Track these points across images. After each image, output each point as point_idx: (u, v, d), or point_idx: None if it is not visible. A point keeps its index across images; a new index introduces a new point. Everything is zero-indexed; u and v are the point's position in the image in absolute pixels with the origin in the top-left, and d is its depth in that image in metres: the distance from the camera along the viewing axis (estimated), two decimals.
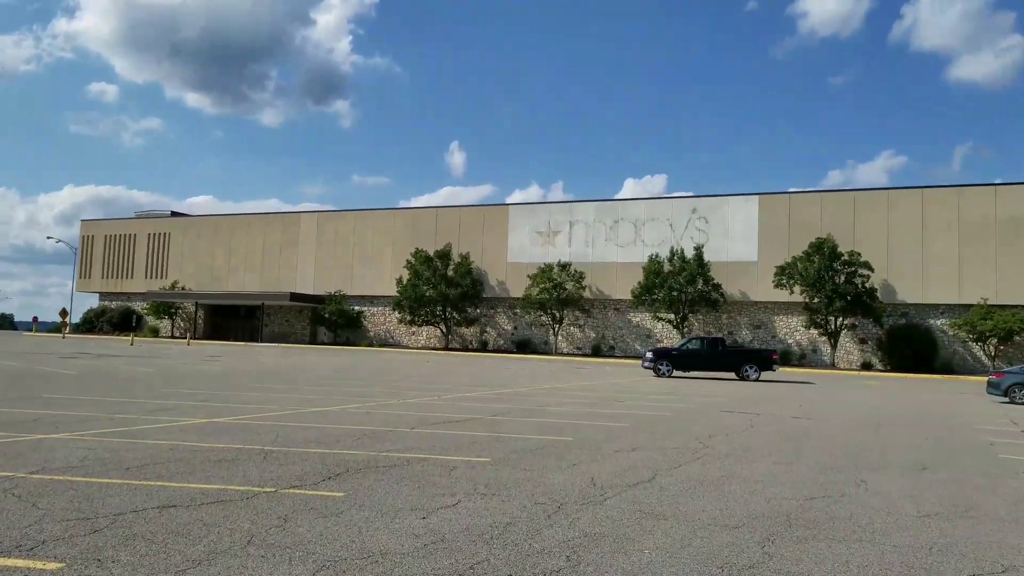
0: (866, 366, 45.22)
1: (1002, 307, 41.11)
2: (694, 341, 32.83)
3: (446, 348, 55.90)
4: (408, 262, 55.86)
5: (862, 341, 46.13)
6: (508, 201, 59.43)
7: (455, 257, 56.07)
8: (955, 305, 43.59)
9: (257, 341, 62.22)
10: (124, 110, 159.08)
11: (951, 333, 43.44)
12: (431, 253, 55.72)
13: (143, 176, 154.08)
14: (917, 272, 44.50)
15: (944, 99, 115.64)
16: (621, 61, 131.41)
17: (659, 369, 31.04)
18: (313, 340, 62.69)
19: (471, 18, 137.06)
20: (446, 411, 14.35)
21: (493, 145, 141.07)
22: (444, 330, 56.56)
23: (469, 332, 57.61)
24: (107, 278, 73.51)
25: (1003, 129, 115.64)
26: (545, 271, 51.83)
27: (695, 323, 50.10)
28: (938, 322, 44.28)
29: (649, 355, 31.97)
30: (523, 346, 54.53)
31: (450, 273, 55.29)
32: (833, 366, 44.67)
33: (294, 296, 59.88)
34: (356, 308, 60.40)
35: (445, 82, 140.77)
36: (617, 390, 22.47)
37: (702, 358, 31.39)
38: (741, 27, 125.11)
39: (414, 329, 58.56)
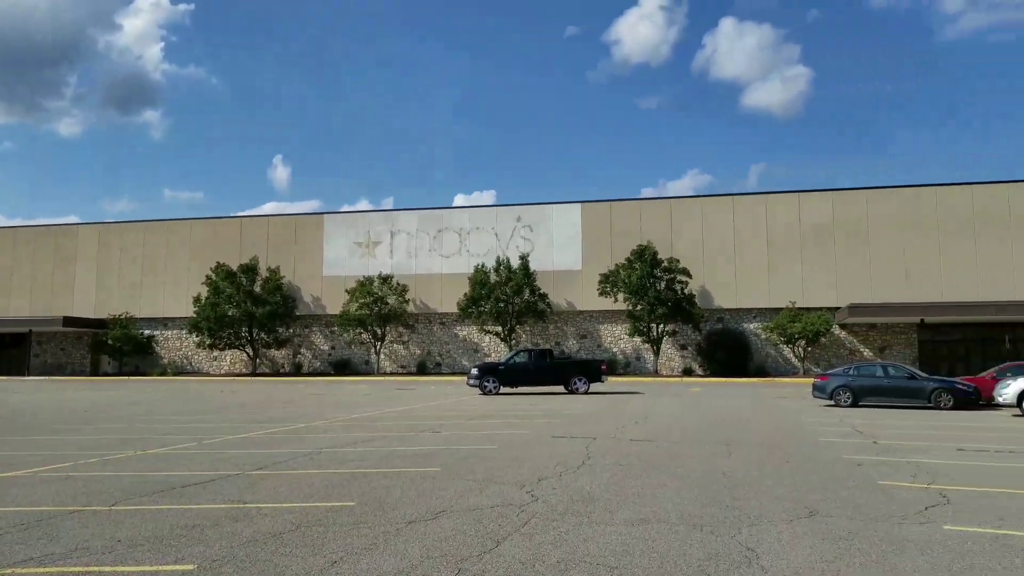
0: (687, 372, 45.58)
1: (808, 310, 42.69)
2: (521, 354, 30.85)
3: (254, 374, 50.69)
4: (208, 278, 50.12)
5: (683, 347, 46.52)
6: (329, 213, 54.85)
7: (263, 272, 51.05)
8: (766, 309, 44.87)
9: (24, 374, 53.60)
10: None
11: (763, 336, 44.64)
12: (235, 268, 50.34)
13: None
14: (731, 278, 45.48)
15: (741, 122, 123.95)
16: (450, 79, 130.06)
17: (485, 386, 28.74)
18: (95, 371, 54.91)
19: (294, 31, 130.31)
20: (192, 467, 10.94)
21: (319, 160, 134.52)
22: (251, 353, 51.26)
23: (280, 355, 52.67)
24: None
25: (792, 150, 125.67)
26: (365, 285, 48.23)
27: (522, 335, 48.55)
28: (751, 326, 45.44)
29: (474, 372, 29.60)
30: (342, 367, 50.50)
31: (257, 290, 50.18)
32: (656, 373, 44.61)
33: (68, 320, 51.94)
34: (146, 332, 53.45)
35: (266, 94, 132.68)
36: (438, 414, 19.73)
37: (530, 372, 29.43)
38: (562, 51, 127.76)
39: (216, 354, 52.62)
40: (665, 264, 43.41)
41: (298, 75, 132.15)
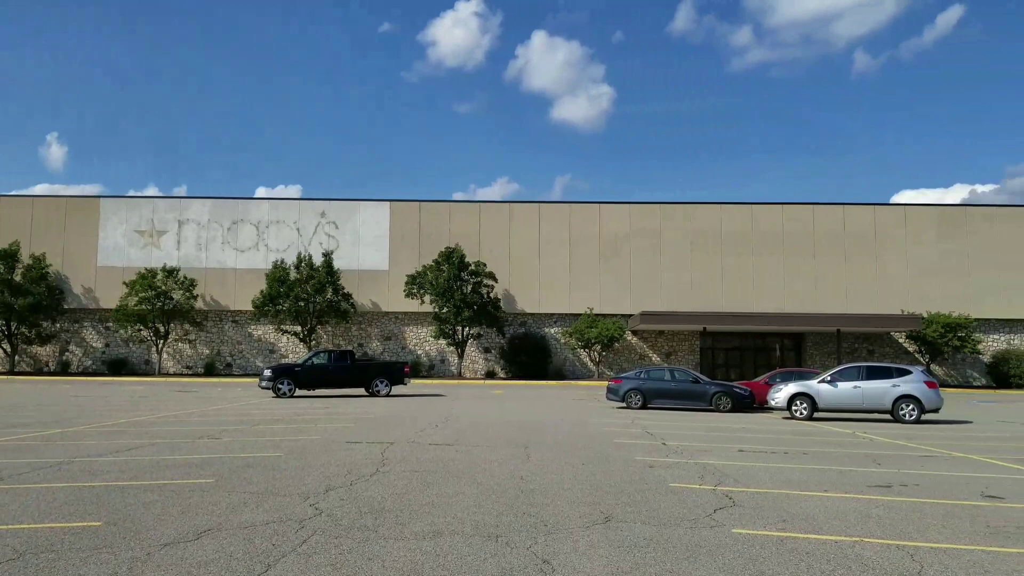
0: (490, 374, 46.05)
1: (604, 316, 44.63)
2: (320, 355, 29.43)
3: (11, 372, 44.70)
4: None
5: (486, 350, 46.94)
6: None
7: (25, 259, 45.21)
8: (566, 315, 46.38)
9: None
10: None
11: (563, 341, 46.09)
12: None
13: None
14: (534, 283, 46.57)
15: (549, 135, 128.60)
16: (253, 68, 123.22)
17: (279, 389, 27.08)
18: None
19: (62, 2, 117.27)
20: None
21: (102, 140, 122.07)
22: (8, 350, 45.16)
23: (45, 352, 46.90)
24: None
25: (595, 165, 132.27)
26: (146, 277, 44.04)
27: (324, 336, 46.69)
28: (552, 331, 46.78)
29: (267, 373, 27.77)
30: (118, 367, 45.79)
31: (17, 278, 44.33)
32: (460, 376, 44.64)
33: None
34: None
35: (40, 64, 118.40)
36: (221, 419, 18.10)
37: (329, 374, 28.10)
38: (376, 47, 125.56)
39: None
40: (472, 267, 43.58)
41: (79, 43, 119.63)
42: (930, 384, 19.16)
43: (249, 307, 44.83)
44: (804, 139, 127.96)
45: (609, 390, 24.07)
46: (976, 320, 42.74)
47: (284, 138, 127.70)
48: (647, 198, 49.47)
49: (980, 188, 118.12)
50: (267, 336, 46.91)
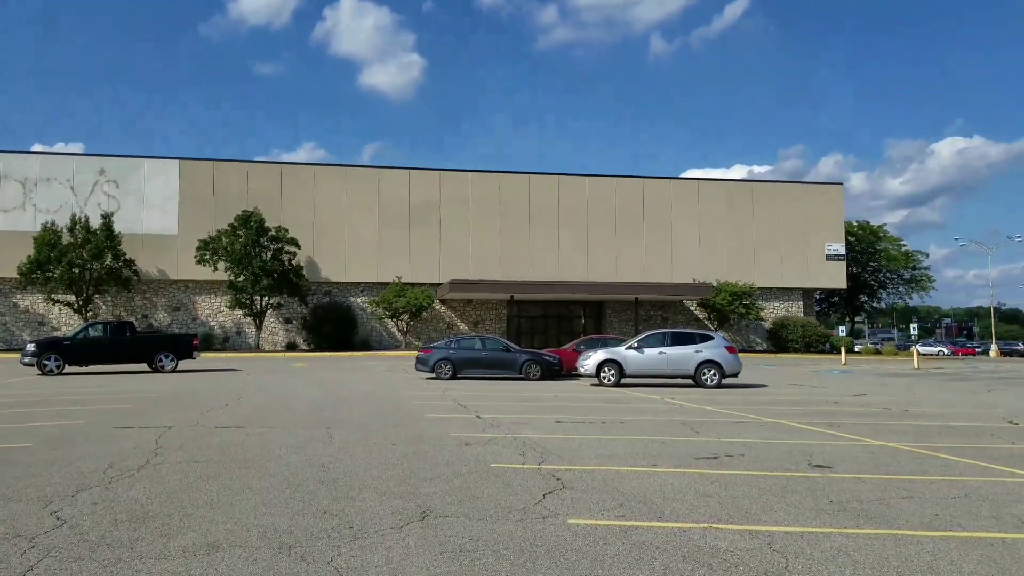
0: (291, 346, 43.66)
1: (413, 285, 43.66)
2: (94, 328, 26.06)
3: None
4: None
5: (287, 321, 44.41)
6: None
7: None
8: (374, 283, 44.90)
9: None
10: None
11: (370, 311, 44.61)
12: None
13: None
14: (341, 251, 44.57)
15: (358, 101, 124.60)
16: (29, 14, 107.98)
17: (45, 365, 23.80)
18: None
19: None
20: None
21: None
22: None
23: None
24: None
25: (406, 135, 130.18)
26: None
27: (103, 306, 41.85)
28: (358, 300, 45.10)
29: (31, 348, 24.27)
30: None
31: None
32: (259, 348, 41.88)
33: None
34: None
35: None
36: None
37: (105, 348, 24.98)
38: None
39: None
40: (273, 233, 40.86)
41: None
42: (730, 349, 20.09)
43: (14, 275, 39.19)
44: (603, 117, 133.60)
45: (418, 360, 23.21)
46: (759, 289, 46.47)
47: (62, 94, 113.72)
48: (454, 167, 49.11)
49: (757, 168, 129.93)
50: (36, 307, 41.43)
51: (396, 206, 45.25)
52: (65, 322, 40.93)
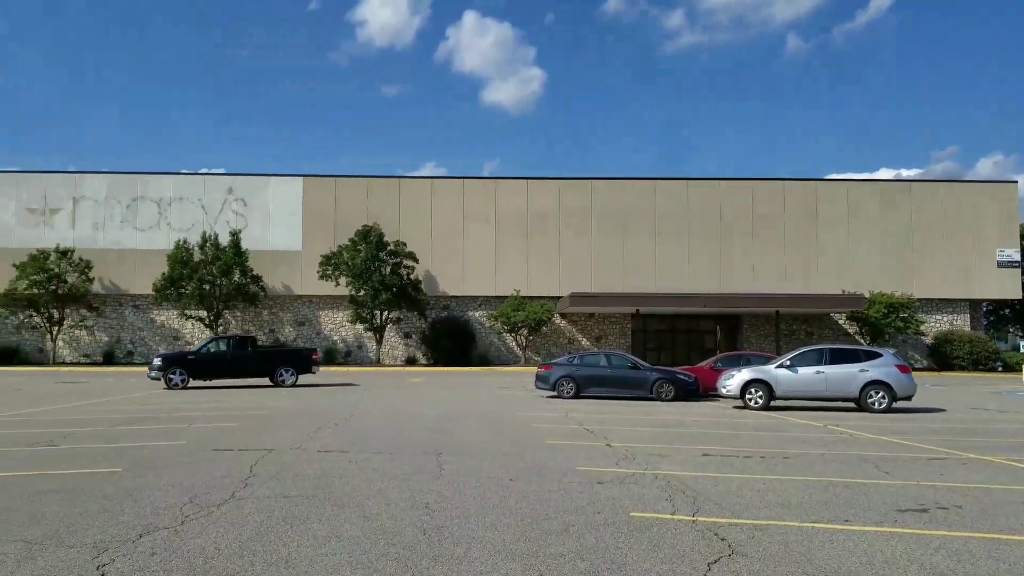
0: (411, 361, 43.20)
1: (532, 299, 42.27)
2: (217, 342, 26.14)
3: None
4: None
5: (407, 335, 44.02)
6: None
7: None
8: (491, 297, 43.84)
9: None
10: None
11: (488, 325, 43.56)
12: None
13: None
14: (458, 264, 43.83)
15: (479, 118, 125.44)
16: (177, 41, 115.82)
17: (171, 379, 23.93)
18: None
19: None
20: None
21: (16, 125, 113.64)
22: None
23: None
24: None
25: (525, 149, 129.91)
26: (37, 258, 39.61)
27: (232, 321, 42.91)
28: (477, 314, 44.18)
29: (157, 362, 24.45)
30: (8, 356, 41.10)
31: None
32: (378, 362, 41.64)
33: None
34: None
35: None
36: (82, 419, 14.77)
37: (227, 363, 24.93)
38: (301, 26, 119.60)
39: None
40: (392, 247, 40.58)
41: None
42: (902, 368, 17.31)
43: (151, 291, 40.80)
44: (735, 123, 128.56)
45: (538, 378, 21.62)
46: (918, 300, 42.03)
47: (201, 117, 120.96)
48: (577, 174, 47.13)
49: (906, 172, 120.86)
50: (170, 322, 42.92)
51: (514, 218, 44.11)
52: (197, 337, 42.12)
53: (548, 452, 10.75)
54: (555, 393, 21.16)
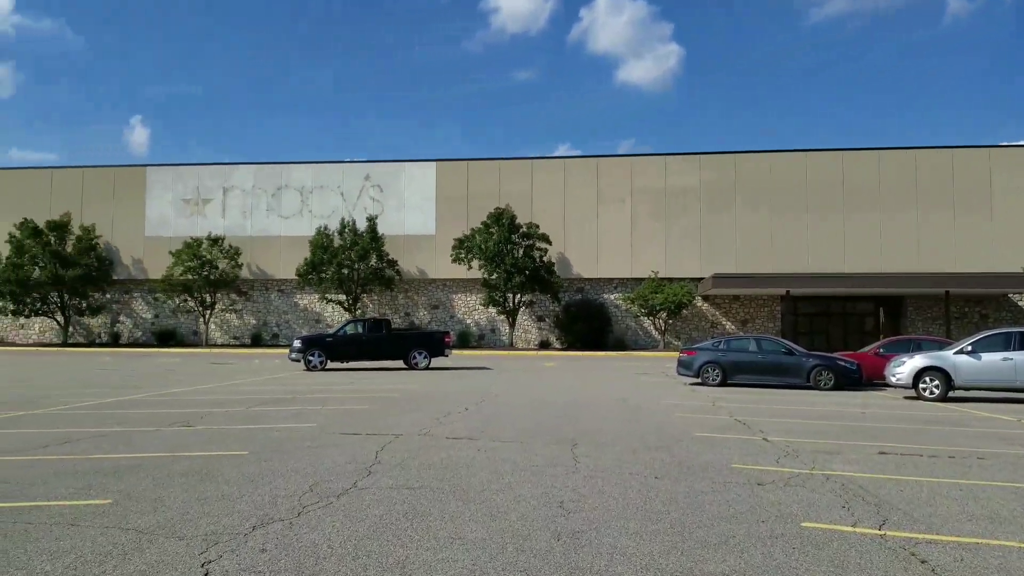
0: (544, 344, 42.66)
1: (671, 280, 40.61)
2: (353, 325, 26.54)
3: (65, 344, 43.42)
4: (11, 236, 42.42)
5: (540, 319, 43.51)
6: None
7: (75, 230, 43.75)
8: (628, 279, 42.52)
9: None
10: None
11: (624, 308, 42.29)
12: (42, 224, 42.89)
13: None
14: (592, 246, 42.76)
15: (613, 98, 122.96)
16: (316, 46, 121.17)
17: (310, 361, 24.42)
18: None
19: None
20: None
21: (180, 120, 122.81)
22: (61, 321, 43.88)
23: (96, 323, 45.57)
24: None
25: (661, 129, 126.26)
26: (191, 246, 42.12)
27: (369, 304, 43.98)
28: (612, 297, 43.00)
29: (297, 344, 25.04)
30: (167, 338, 44.16)
31: (67, 250, 42.93)
32: (512, 346, 41.37)
33: None
34: None
35: (129, 53, 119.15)
36: (222, 398, 15.08)
37: (363, 345, 25.22)
38: (435, 18, 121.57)
39: (22, 321, 44.92)
40: (524, 229, 40.08)
41: (158, 28, 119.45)
42: None
43: (294, 276, 42.45)
44: (890, 88, 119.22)
45: (680, 363, 20.33)
46: None
47: (334, 106, 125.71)
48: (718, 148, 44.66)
49: None
50: (312, 305, 44.51)
51: (651, 196, 42.46)
52: (338, 320, 43.36)
53: (697, 446, 9.67)
54: (699, 380, 19.84)
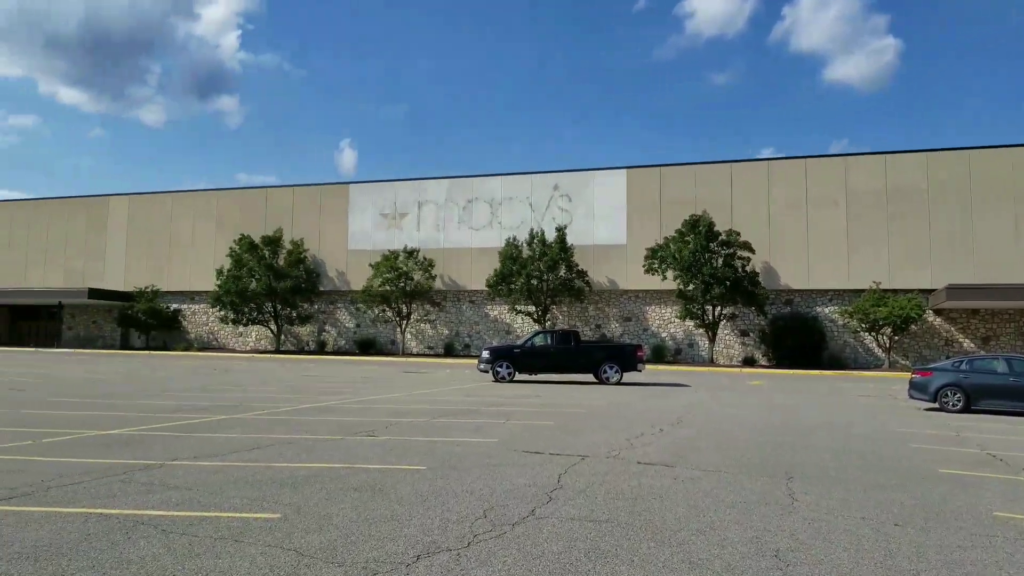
0: (748, 361, 39.93)
1: (895, 292, 36.52)
2: (542, 336, 26.03)
3: (277, 351, 47.11)
4: (231, 250, 46.83)
5: (743, 333, 40.82)
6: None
7: (286, 244, 47.44)
8: (844, 291, 38.84)
9: (55, 346, 51.53)
10: None
11: (840, 323, 38.64)
12: (257, 239, 46.91)
13: (17, 176, 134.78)
14: (802, 254, 39.52)
15: (820, 99, 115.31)
16: (508, 59, 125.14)
17: (498, 372, 24.18)
18: (125, 344, 52.42)
19: (363, 15, 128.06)
20: None
21: (385, 143, 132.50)
22: (275, 330, 47.70)
23: (305, 331, 49.03)
24: None
25: (876, 127, 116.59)
26: (389, 259, 44.10)
27: (559, 316, 43.59)
28: (826, 310, 39.46)
29: (485, 355, 24.90)
30: (367, 346, 46.52)
31: (280, 263, 46.61)
32: (712, 362, 39.11)
33: (94, 292, 49.37)
34: (172, 306, 50.70)
35: (337, 80, 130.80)
36: (407, 408, 15.02)
37: (551, 357, 24.60)
38: (630, 25, 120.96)
39: (240, 330, 49.40)
40: (723, 237, 37.80)
41: (365, 58, 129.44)
42: None
43: (484, 287, 43.07)
44: None
45: (913, 385, 17.69)
46: None
47: (522, 119, 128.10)
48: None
49: None
50: (502, 316, 44.91)
51: (869, 199, 38.54)
52: (528, 331, 43.44)
53: (944, 486, 7.89)
54: (935, 405, 17.17)
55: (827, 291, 39.43)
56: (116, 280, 52.20)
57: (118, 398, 16.27)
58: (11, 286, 54.02)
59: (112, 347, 51.97)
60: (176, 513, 6.17)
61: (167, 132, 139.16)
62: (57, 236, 54.82)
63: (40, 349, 49.44)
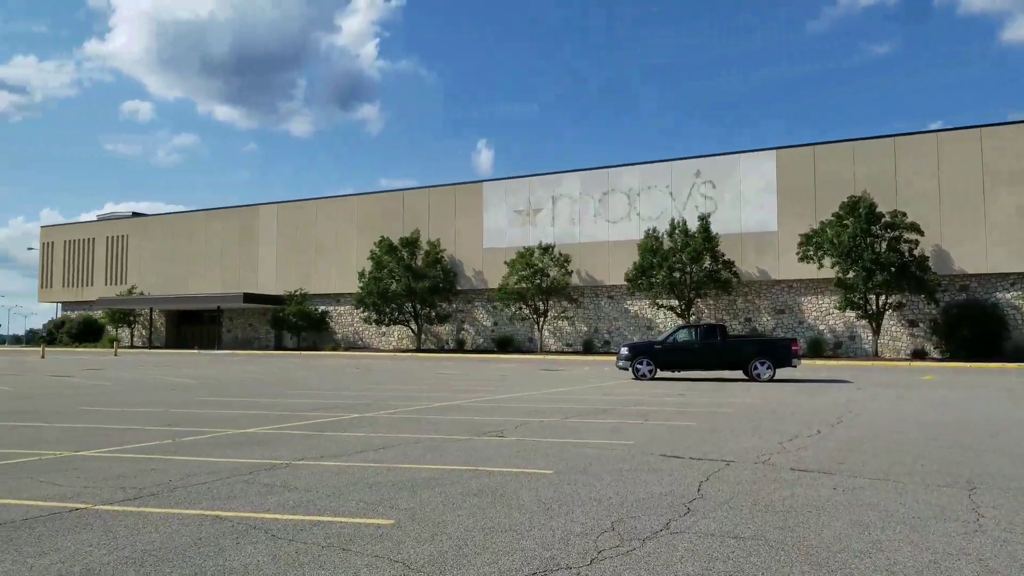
0: (918, 354, 36.60)
1: None
2: (686, 331, 24.82)
3: (418, 350, 48.32)
4: (372, 252, 48.52)
5: (912, 323, 37.46)
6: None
7: (423, 245, 48.52)
8: None
9: (216, 348, 55.52)
10: (158, 127, 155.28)
11: None
12: (396, 241, 48.33)
13: (180, 192, 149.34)
14: (978, 235, 35.76)
15: (997, 62, 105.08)
16: (646, 43, 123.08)
17: (638, 369, 23.23)
18: (278, 345, 55.73)
19: (496, 18, 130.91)
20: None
21: (521, 141, 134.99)
22: (415, 329, 48.93)
23: (444, 330, 49.98)
24: (68, 286, 67.45)
25: None
26: (524, 256, 44.03)
27: (704, 310, 41.83)
28: (1007, 296, 35.51)
29: (624, 351, 24.04)
30: (505, 344, 46.73)
31: (418, 263, 47.76)
32: (876, 356, 36.15)
33: (248, 297, 52.86)
34: (320, 308, 53.29)
35: (472, 81, 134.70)
36: (542, 407, 14.56)
37: (695, 353, 23.40)
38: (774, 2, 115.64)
39: (383, 329, 51.08)
40: (886, 219, 34.86)
41: (498, 60, 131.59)
42: None
43: (623, 281, 42.06)
44: None
45: None
46: None
47: (661, 106, 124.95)
48: None
49: None
50: (643, 311, 43.73)
51: None
52: (670, 327, 41.95)
53: None
54: None
55: (1008, 275, 35.51)
56: (268, 284, 55.49)
57: (263, 396, 16.88)
58: (175, 293, 58.73)
59: (267, 348, 55.32)
60: (290, 517, 5.95)
61: (313, 142, 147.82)
62: (214, 245, 59.05)
63: (203, 351, 53.35)
